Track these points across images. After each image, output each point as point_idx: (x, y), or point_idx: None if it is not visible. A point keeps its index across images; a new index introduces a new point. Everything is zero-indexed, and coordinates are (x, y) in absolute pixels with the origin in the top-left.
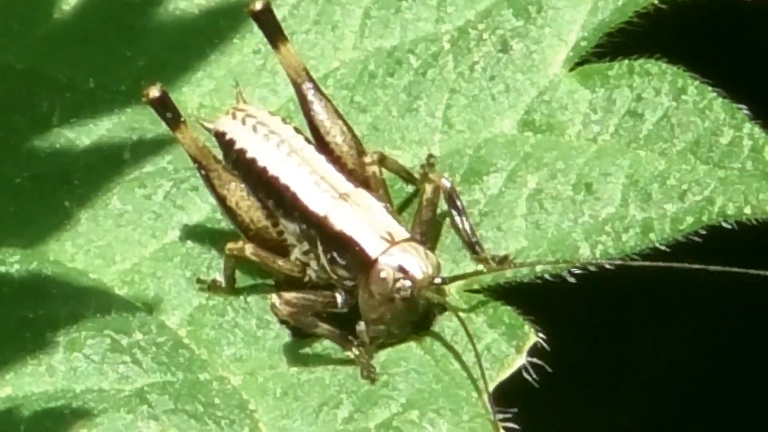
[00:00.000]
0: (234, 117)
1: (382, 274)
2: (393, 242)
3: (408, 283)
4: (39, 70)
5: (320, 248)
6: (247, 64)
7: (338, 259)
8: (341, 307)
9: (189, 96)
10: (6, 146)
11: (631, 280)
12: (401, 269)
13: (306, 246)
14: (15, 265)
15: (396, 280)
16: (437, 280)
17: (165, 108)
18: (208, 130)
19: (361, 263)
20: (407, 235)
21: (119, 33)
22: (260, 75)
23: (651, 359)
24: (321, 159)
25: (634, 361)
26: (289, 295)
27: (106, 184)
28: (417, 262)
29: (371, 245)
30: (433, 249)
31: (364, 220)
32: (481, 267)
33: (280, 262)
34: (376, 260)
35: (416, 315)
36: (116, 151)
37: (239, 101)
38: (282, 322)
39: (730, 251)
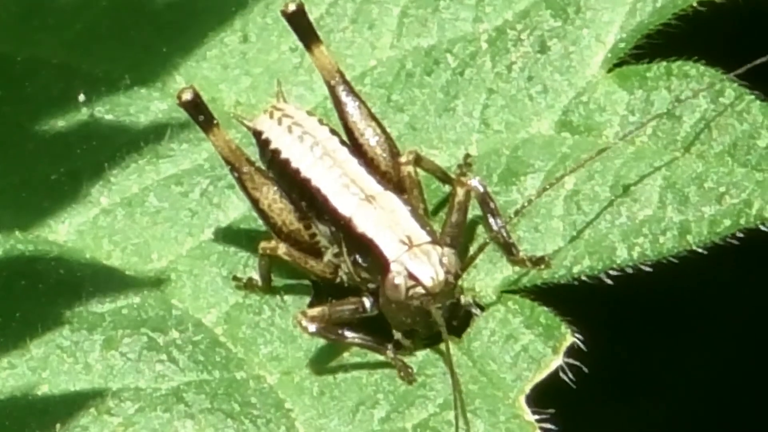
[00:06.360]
0: (271, 116)
1: (396, 281)
2: (411, 246)
3: (421, 290)
4: (75, 65)
5: (345, 250)
6: (284, 62)
7: (360, 261)
8: (371, 311)
9: (226, 93)
10: (42, 142)
11: (669, 280)
12: (412, 276)
13: (336, 248)
14: (51, 262)
15: (409, 288)
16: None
17: (197, 111)
18: (247, 127)
19: (380, 266)
20: (428, 239)
21: (156, 29)
22: (297, 73)
23: (689, 360)
24: (353, 161)
25: (672, 361)
26: (314, 311)
27: (143, 181)
28: (427, 269)
29: (388, 248)
30: (465, 251)
31: (386, 223)
32: (516, 268)
33: (313, 263)
34: (389, 264)
35: (437, 319)
36: (152, 147)
37: (279, 100)
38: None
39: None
